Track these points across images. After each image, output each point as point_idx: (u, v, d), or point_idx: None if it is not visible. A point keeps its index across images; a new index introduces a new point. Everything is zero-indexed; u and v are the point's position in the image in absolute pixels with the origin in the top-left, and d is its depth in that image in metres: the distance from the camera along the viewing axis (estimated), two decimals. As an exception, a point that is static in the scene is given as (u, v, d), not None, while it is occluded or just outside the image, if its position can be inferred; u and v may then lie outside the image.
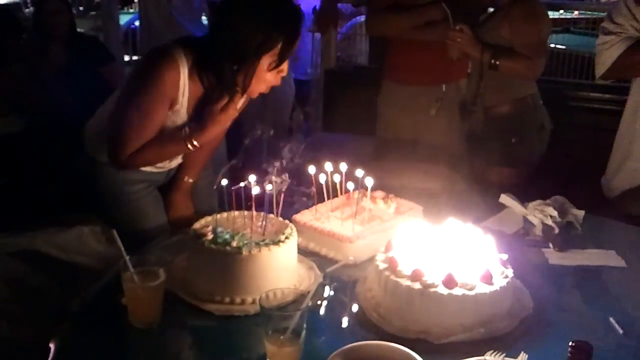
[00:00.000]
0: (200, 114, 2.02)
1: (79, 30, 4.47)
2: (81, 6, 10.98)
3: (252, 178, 1.75)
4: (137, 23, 5.49)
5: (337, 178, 1.96)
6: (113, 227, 2.04)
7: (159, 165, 2.18)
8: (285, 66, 1.98)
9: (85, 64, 3.86)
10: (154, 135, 1.97)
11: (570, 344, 1.21)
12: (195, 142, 1.99)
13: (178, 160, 2.26)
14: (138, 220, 2.18)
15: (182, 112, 2.02)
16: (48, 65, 3.82)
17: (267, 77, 1.97)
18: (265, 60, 1.92)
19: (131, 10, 7.89)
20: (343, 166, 1.95)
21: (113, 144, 1.98)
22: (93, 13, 9.16)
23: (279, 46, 1.90)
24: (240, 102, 2.08)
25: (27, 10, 8.43)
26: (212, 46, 1.93)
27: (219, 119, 1.99)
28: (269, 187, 1.71)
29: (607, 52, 2.45)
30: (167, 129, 2.02)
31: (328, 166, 1.95)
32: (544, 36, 2.82)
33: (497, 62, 2.72)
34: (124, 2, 7.46)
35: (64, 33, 3.88)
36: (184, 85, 1.96)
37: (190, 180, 2.30)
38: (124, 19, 6.55)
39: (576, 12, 7.40)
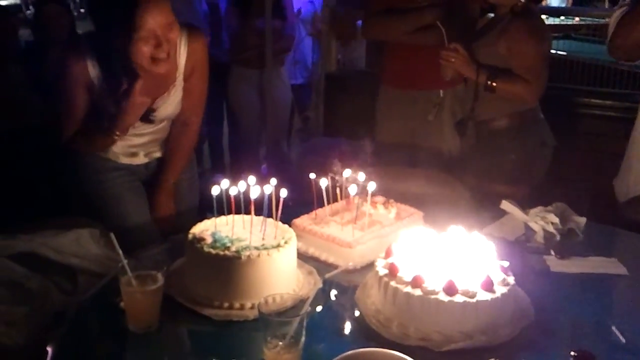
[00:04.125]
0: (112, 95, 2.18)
1: (79, 32, 4.46)
2: (82, 8, 10.98)
3: (252, 180, 1.74)
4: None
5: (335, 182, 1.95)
6: (96, 217, 2.12)
7: (132, 158, 2.37)
8: (160, 41, 2.05)
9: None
10: (82, 116, 2.20)
11: (571, 353, 1.20)
12: (117, 132, 2.20)
13: (155, 154, 2.42)
14: (115, 205, 2.33)
15: (101, 94, 2.18)
16: (47, 68, 3.81)
17: (142, 50, 2.06)
18: (135, 39, 2.03)
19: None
20: (347, 171, 1.94)
21: (58, 128, 2.26)
22: (93, 15, 9.13)
23: (125, 19, 2.01)
24: (174, 97, 2.28)
25: (28, 12, 8.43)
26: (93, 39, 2.15)
27: (126, 108, 2.14)
28: (267, 190, 1.70)
29: (614, 17, 2.35)
30: (100, 109, 2.20)
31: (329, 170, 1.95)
32: (545, 58, 2.65)
33: (494, 84, 2.61)
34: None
35: (64, 36, 3.87)
36: (94, 71, 2.15)
37: (171, 181, 2.43)
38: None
39: (577, 19, 7.42)
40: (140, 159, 2.40)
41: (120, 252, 1.51)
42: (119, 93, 2.13)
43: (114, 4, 2.04)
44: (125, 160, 2.37)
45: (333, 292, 1.71)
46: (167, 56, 2.09)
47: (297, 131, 5.22)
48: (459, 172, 2.77)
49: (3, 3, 6.67)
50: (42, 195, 3.09)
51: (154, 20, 2.02)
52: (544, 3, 10.60)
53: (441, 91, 2.87)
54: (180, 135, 2.41)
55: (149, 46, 2.05)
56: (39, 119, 3.40)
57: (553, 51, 4.98)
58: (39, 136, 3.33)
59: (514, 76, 2.61)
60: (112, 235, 1.56)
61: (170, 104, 2.29)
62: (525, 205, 2.13)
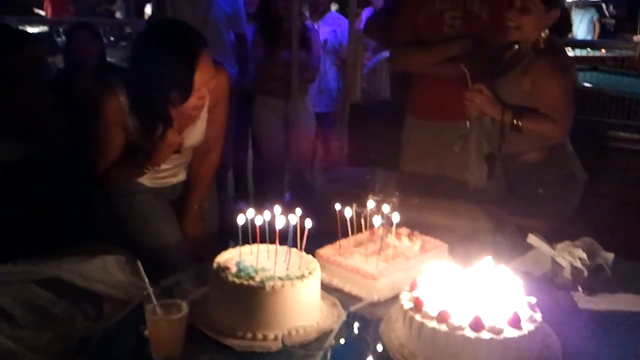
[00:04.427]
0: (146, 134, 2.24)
1: (109, 60, 4.55)
2: (112, 36, 11.24)
3: (277, 211, 1.74)
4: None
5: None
6: (127, 240, 2.19)
7: (157, 180, 2.43)
8: (204, 92, 2.14)
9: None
10: (118, 152, 2.28)
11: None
12: (149, 167, 2.29)
13: (180, 177, 2.51)
14: (148, 223, 2.41)
15: (135, 132, 2.25)
16: (77, 94, 3.88)
17: (189, 104, 2.15)
18: (175, 93, 2.11)
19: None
20: (370, 203, 1.94)
21: (90, 163, 2.35)
22: (124, 43, 9.37)
23: (179, 80, 2.08)
24: (198, 127, 2.35)
25: (59, 39, 8.64)
26: (132, 81, 2.20)
27: (161, 147, 2.23)
28: (293, 220, 1.70)
29: None
30: (133, 145, 2.28)
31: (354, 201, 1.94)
32: (570, 94, 2.59)
33: (520, 124, 2.57)
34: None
35: (94, 63, 3.95)
36: (128, 110, 2.20)
37: (195, 205, 2.53)
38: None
39: (603, 51, 7.38)
40: (166, 182, 2.49)
41: (147, 279, 1.52)
42: (155, 135, 2.20)
43: (166, 61, 2.08)
44: (151, 183, 2.45)
45: (356, 325, 1.68)
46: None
47: (321, 160, 5.24)
48: (486, 205, 2.75)
49: (33, 30, 6.85)
50: (70, 221, 3.12)
51: (205, 77, 2.12)
52: (569, 35, 10.61)
53: (468, 122, 2.85)
54: (202, 163, 2.51)
55: (194, 98, 2.14)
56: (67, 145, 3.45)
57: (580, 83, 4.96)
58: (67, 161, 3.38)
59: (539, 114, 2.57)
60: (139, 263, 1.57)
61: (195, 134, 2.38)
62: (552, 239, 2.10)
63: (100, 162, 2.30)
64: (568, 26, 2.76)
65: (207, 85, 2.14)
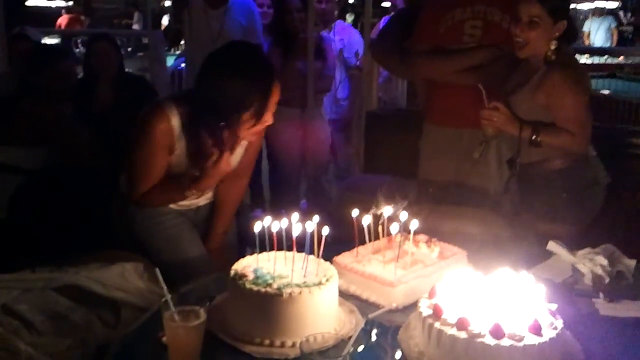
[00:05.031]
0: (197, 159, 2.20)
1: (127, 70, 4.60)
2: (129, 47, 11.36)
3: (295, 218, 1.74)
4: (183, 65, 5.63)
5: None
6: (153, 257, 2.13)
7: (181, 203, 2.36)
8: (269, 117, 2.13)
9: (132, 103, 3.95)
10: (160, 177, 2.22)
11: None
12: (194, 192, 2.24)
13: (205, 199, 2.44)
14: (176, 244, 2.35)
15: (182, 156, 2.21)
16: (96, 105, 3.93)
17: (252, 129, 2.14)
18: (247, 116, 2.09)
19: (178, 52, 8.12)
20: (387, 209, 1.93)
21: (128, 186, 2.28)
22: (141, 54, 9.48)
23: (256, 102, 2.07)
24: (237, 153, 2.29)
25: (77, 50, 8.76)
26: (197, 103, 2.12)
27: (211, 173, 2.17)
28: (310, 227, 1.70)
29: None
30: (174, 169, 2.23)
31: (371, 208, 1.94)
32: (586, 106, 2.57)
33: (539, 139, 2.54)
34: (172, 42, 7.70)
35: (113, 73, 3.99)
36: (178, 134, 2.15)
37: (221, 231, 2.49)
38: (170, 60, 6.74)
39: (621, 58, 7.34)
40: (192, 204, 2.42)
41: (165, 286, 1.52)
42: (207, 160, 2.14)
43: (246, 84, 2.06)
44: (176, 205, 2.38)
45: (374, 332, 1.68)
46: None
47: (336, 168, 5.24)
48: (506, 211, 2.72)
49: (52, 41, 6.94)
50: (89, 229, 3.15)
51: (275, 104, 2.14)
52: (587, 42, 10.56)
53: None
54: (231, 188, 2.45)
55: (261, 123, 2.14)
56: (87, 154, 3.49)
57: (598, 91, 4.92)
58: (87, 170, 3.41)
59: (558, 129, 2.54)
60: (157, 270, 1.58)
61: (233, 160, 2.31)
62: (572, 246, 2.08)
63: (140, 186, 2.23)
64: (574, 32, 2.71)
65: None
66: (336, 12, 5.34)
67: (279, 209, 4.25)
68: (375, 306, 1.76)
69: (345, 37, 5.10)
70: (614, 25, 11.46)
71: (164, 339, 1.51)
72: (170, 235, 2.35)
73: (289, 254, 1.72)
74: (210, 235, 2.47)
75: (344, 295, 1.79)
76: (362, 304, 1.78)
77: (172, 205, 2.36)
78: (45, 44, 4.86)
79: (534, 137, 2.55)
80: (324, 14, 5.08)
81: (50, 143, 3.34)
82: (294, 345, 1.52)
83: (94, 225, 3.07)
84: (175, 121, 2.14)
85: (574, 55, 2.77)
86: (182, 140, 2.17)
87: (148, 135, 2.15)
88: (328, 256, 1.79)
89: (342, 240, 1.98)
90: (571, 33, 2.65)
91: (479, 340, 1.39)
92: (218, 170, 2.16)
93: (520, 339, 1.39)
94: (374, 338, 1.66)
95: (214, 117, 2.10)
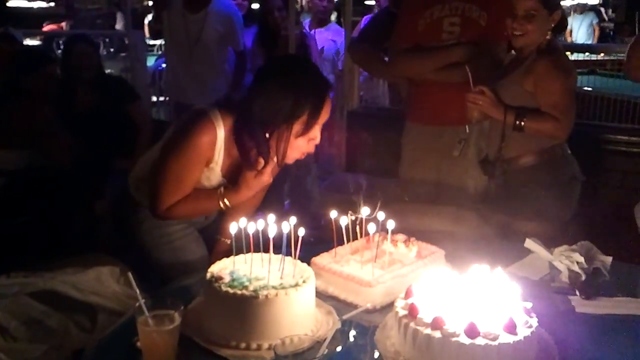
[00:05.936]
0: (235, 173, 2.10)
1: (108, 71, 4.57)
2: (112, 48, 11.29)
3: (271, 219, 1.73)
4: (164, 65, 5.62)
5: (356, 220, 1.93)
6: (154, 266, 2.06)
7: None
8: (316, 133, 2.04)
9: (112, 103, 3.94)
10: (190, 190, 2.07)
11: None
12: (227, 202, 2.10)
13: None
14: (182, 255, 2.28)
15: (216, 169, 2.10)
16: (77, 106, 3.90)
17: (299, 144, 2.04)
18: (296, 128, 1.99)
19: (159, 52, 8.08)
20: (365, 210, 1.92)
21: (152, 197, 2.09)
22: (123, 54, 9.42)
23: (307, 114, 1.98)
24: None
25: (59, 51, 8.69)
26: (247, 111, 2.00)
27: (252, 184, 2.07)
28: (285, 228, 1.69)
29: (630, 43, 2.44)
30: (203, 183, 2.12)
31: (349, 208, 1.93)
32: (572, 93, 2.62)
33: (522, 124, 2.57)
34: (155, 36, 7.66)
35: (92, 75, 3.96)
36: (220, 146, 2.04)
37: (228, 241, 2.37)
38: (151, 61, 6.72)
39: (602, 54, 7.39)
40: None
41: (138, 291, 1.50)
42: (250, 171, 2.06)
43: (302, 93, 1.96)
44: None
45: (352, 333, 1.68)
46: None
47: (319, 168, 5.23)
48: (485, 209, 2.73)
49: (33, 43, 6.88)
50: (71, 231, 3.13)
51: (325, 118, 2.04)
52: (569, 40, 10.63)
53: (467, 127, 2.84)
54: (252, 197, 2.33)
55: (309, 143, 2.06)
56: (69, 155, 3.47)
57: (580, 87, 4.95)
58: (69, 172, 3.39)
59: (542, 114, 2.58)
60: (130, 275, 1.56)
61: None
62: (549, 243, 2.09)
63: (168, 198, 2.05)
64: (565, 23, 2.76)
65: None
66: (334, 14, 5.38)
67: (262, 209, 4.24)
68: (354, 307, 1.75)
69: (338, 39, 5.11)
70: (595, 21, 11.56)
71: (139, 343, 1.50)
72: (176, 247, 2.29)
73: (266, 255, 1.71)
74: (216, 245, 2.38)
75: (323, 296, 1.79)
76: (340, 305, 1.77)
77: None
78: (30, 47, 4.84)
79: (518, 121, 2.58)
80: (325, 12, 5.12)
81: (34, 145, 3.32)
82: (270, 348, 1.51)
83: (78, 226, 3.05)
84: (221, 133, 2.03)
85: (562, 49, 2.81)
86: (222, 153, 2.07)
87: (191, 145, 2.01)
88: (307, 257, 1.79)
89: (324, 240, 1.98)
90: (562, 24, 2.69)
91: (454, 339, 1.39)
92: (259, 182, 2.08)
93: (495, 338, 1.40)
94: (352, 339, 1.66)
95: (262, 127, 2.01)
